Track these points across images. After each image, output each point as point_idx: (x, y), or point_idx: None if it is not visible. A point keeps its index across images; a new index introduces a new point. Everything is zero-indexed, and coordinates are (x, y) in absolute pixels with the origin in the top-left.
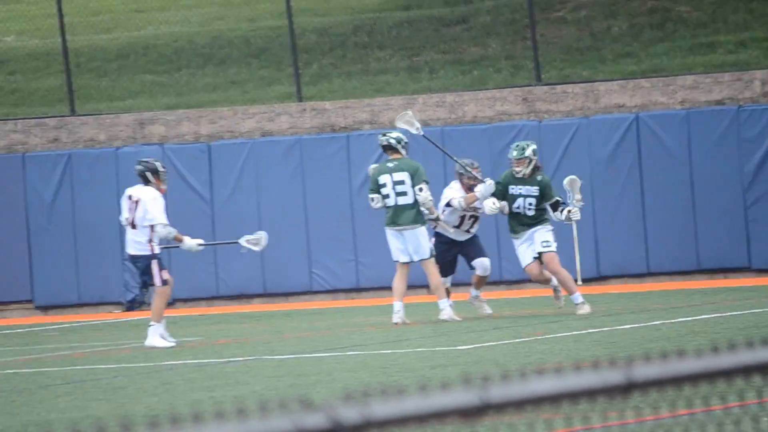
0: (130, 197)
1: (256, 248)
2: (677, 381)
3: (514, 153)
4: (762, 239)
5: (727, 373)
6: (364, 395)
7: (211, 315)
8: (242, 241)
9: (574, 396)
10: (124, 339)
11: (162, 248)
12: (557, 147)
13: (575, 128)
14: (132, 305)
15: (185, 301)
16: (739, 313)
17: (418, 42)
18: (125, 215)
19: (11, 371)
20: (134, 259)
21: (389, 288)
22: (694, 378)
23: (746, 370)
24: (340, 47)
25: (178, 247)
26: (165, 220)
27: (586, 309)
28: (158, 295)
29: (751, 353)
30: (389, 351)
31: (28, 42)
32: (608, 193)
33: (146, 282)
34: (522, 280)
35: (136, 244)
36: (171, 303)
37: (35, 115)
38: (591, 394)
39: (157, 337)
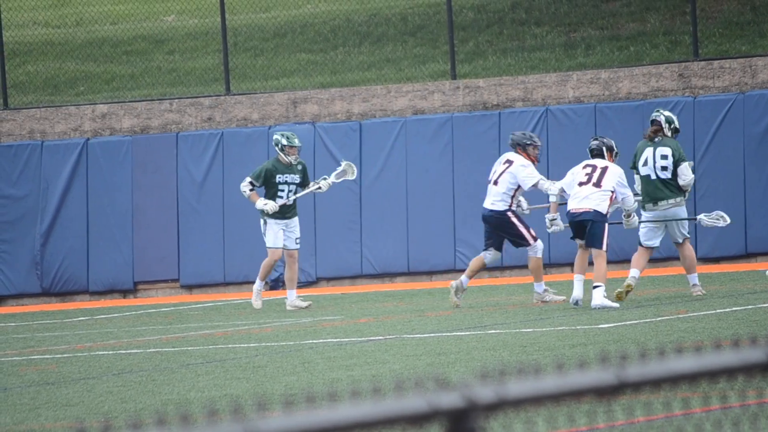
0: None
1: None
2: None
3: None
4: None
5: None
6: (500, 374)
7: (354, 294)
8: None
9: (712, 375)
10: (267, 318)
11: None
12: (711, 123)
13: (730, 104)
14: (276, 284)
15: (329, 279)
16: None
17: (576, 18)
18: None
19: (154, 350)
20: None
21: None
22: None
23: None
24: (497, 24)
25: None
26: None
27: (699, 291)
28: (599, 257)
29: None
30: (530, 330)
31: (188, 21)
32: (761, 170)
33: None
34: (667, 257)
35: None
36: (315, 282)
37: (191, 94)
38: (730, 372)
39: (601, 296)
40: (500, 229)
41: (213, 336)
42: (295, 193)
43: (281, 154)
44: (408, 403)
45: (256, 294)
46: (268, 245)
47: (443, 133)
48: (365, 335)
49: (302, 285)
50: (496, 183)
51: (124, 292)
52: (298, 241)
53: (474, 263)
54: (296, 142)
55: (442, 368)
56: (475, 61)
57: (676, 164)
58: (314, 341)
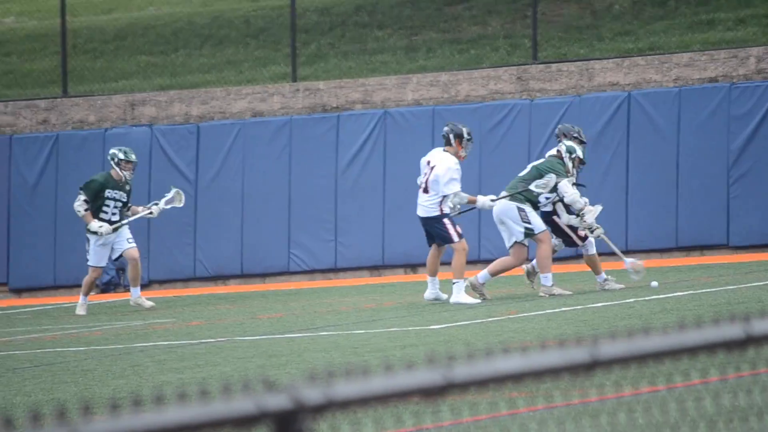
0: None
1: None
2: (642, 358)
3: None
4: (741, 216)
5: (692, 350)
6: (328, 375)
7: (187, 296)
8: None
9: (537, 374)
10: (97, 322)
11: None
12: (548, 126)
13: (566, 107)
14: (108, 287)
15: (161, 282)
16: (712, 290)
17: (419, 21)
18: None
19: None
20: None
21: (366, 268)
22: (659, 355)
23: (711, 347)
24: (340, 26)
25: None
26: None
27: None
28: (458, 251)
29: (716, 330)
30: (362, 331)
31: (27, 23)
32: (594, 172)
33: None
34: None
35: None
36: (147, 284)
37: (26, 96)
38: (555, 372)
39: (462, 293)
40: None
41: (41, 340)
42: (120, 210)
43: (116, 168)
44: (235, 405)
45: (81, 307)
46: (90, 263)
47: (282, 136)
48: (196, 338)
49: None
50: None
51: None
52: (130, 240)
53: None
54: (133, 157)
55: (272, 370)
56: (316, 64)
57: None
58: (144, 344)
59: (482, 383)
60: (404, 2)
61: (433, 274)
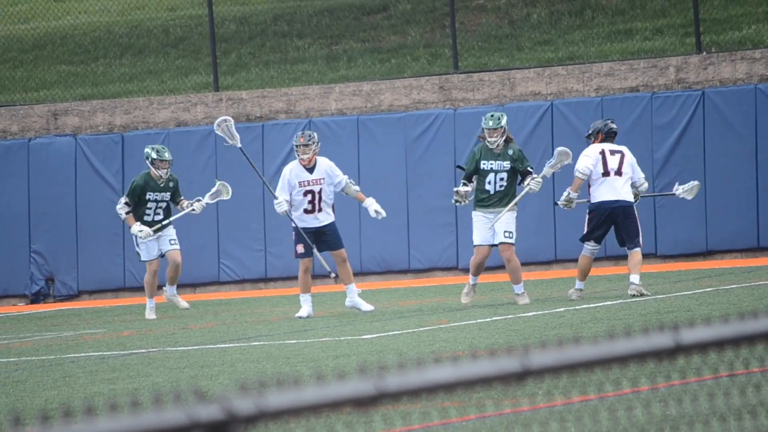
0: None
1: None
2: (572, 368)
3: (490, 123)
4: (668, 225)
5: (622, 360)
6: (260, 386)
7: (117, 306)
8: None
9: (469, 384)
10: (27, 332)
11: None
12: (472, 135)
13: None
14: (37, 298)
15: (91, 293)
16: (642, 299)
17: (338, 30)
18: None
19: None
20: None
21: (296, 278)
22: (589, 365)
23: (641, 356)
24: (260, 36)
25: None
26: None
27: (526, 300)
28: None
29: (645, 339)
30: (294, 341)
31: None
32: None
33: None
34: (430, 268)
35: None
36: (77, 295)
37: None
38: (486, 381)
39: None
40: (628, 220)
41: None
42: (165, 210)
43: (152, 168)
44: (167, 416)
45: (150, 311)
46: (143, 259)
47: (207, 145)
48: (128, 348)
49: (64, 298)
50: (620, 174)
51: None
52: (173, 242)
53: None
54: (166, 155)
55: (205, 381)
56: (238, 73)
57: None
58: (76, 355)
59: (414, 393)
60: (322, 12)
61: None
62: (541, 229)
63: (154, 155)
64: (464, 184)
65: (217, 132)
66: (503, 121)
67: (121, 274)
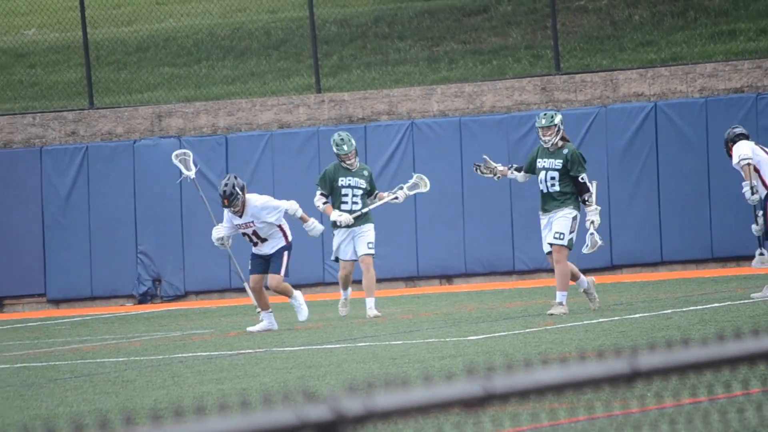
0: None
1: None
2: (681, 370)
3: (543, 121)
4: None
5: (732, 362)
6: (368, 386)
7: (223, 307)
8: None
9: (578, 385)
10: (135, 332)
11: None
12: (575, 136)
13: (593, 117)
14: (144, 298)
15: (197, 293)
16: (750, 301)
17: (439, 32)
18: None
19: (21, 365)
20: None
21: (401, 279)
22: (699, 366)
23: (751, 359)
24: (361, 38)
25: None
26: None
27: (562, 310)
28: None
29: (756, 341)
30: (400, 342)
31: (49, 35)
32: (624, 183)
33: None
34: (535, 269)
35: None
36: (183, 295)
37: (54, 108)
38: (595, 383)
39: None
40: None
41: (81, 350)
42: (361, 198)
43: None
44: (276, 416)
45: (343, 306)
46: (338, 256)
47: (309, 147)
48: (235, 349)
49: (171, 299)
50: None
51: None
52: (370, 246)
53: None
54: (345, 149)
55: (312, 381)
56: (339, 75)
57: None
58: (184, 355)
59: (522, 394)
60: (423, 13)
61: None
62: (646, 230)
63: (334, 149)
64: (515, 168)
65: (174, 161)
66: (557, 119)
67: (227, 275)
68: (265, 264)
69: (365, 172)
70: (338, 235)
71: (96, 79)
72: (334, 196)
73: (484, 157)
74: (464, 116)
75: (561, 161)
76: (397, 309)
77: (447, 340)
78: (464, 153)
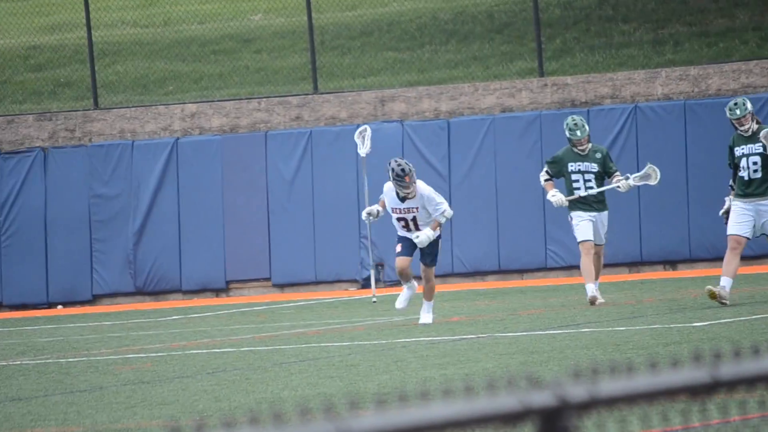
0: None
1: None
2: None
3: (737, 112)
4: None
5: None
6: (593, 373)
7: (446, 292)
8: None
9: None
10: (358, 317)
11: None
12: None
13: None
14: (367, 283)
15: (419, 278)
16: None
17: (664, 14)
18: None
19: (247, 349)
20: None
21: (624, 264)
22: None
23: None
24: (584, 21)
25: None
26: None
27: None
28: None
29: None
30: (623, 328)
31: (275, 20)
32: None
33: None
34: (762, 255)
35: None
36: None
37: (278, 93)
38: None
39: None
40: None
41: (306, 334)
42: (595, 180)
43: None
44: (500, 402)
45: (591, 290)
46: (578, 239)
47: (532, 131)
48: (457, 334)
49: (391, 284)
50: None
51: (217, 291)
52: (605, 236)
53: None
54: (578, 134)
55: (534, 367)
56: (562, 59)
57: None
58: (407, 340)
59: (750, 382)
60: None
61: None
62: None
63: (567, 134)
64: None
65: (356, 139)
66: (749, 105)
67: (449, 260)
68: (412, 246)
69: (597, 155)
70: (579, 218)
71: (320, 63)
72: (566, 180)
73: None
74: (689, 100)
75: (760, 144)
76: (620, 294)
77: (671, 326)
78: (688, 137)
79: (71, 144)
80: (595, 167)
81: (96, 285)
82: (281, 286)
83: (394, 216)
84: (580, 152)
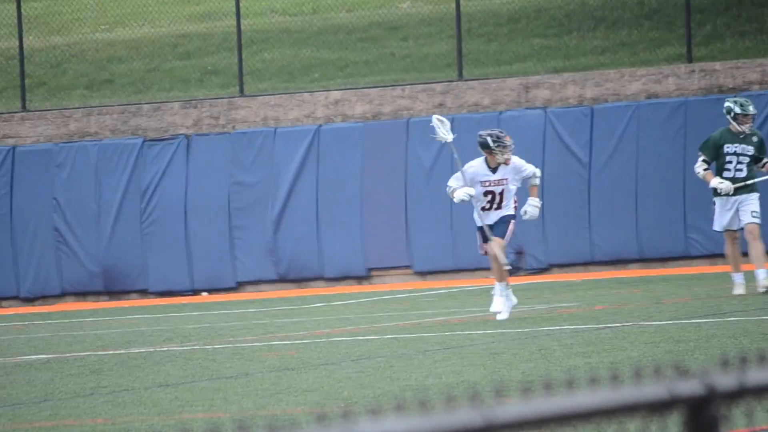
0: None
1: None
2: None
3: (750, 108)
4: None
5: None
6: (741, 362)
7: (587, 281)
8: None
9: None
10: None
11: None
12: None
13: None
14: (511, 271)
15: (561, 266)
16: None
17: None
18: None
19: (391, 336)
20: None
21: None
22: None
23: None
24: (736, 6)
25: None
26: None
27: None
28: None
29: None
30: None
31: (423, 8)
32: None
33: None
34: None
35: None
36: (547, 268)
37: (423, 80)
38: None
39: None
40: None
41: (449, 322)
42: (747, 166)
43: (733, 123)
44: (647, 390)
45: (738, 286)
46: (714, 228)
47: (676, 118)
48: (602, 322)
49: (534, 271)
50: None
51: (359, 279)
52: (755, 214)
53: None
54: (750, 109)
55: (680, 356)
56: (711, 44)
57: None
58: (551, 328)
59: None
60: None
61: None
62: None
63: (737, 109)
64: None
65: (434, 122)
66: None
67: (587, 248)
68: (492, 228)
69: (755, 138)
70: (720, 205)
71: (466, 51)
72: (718, 163)
73: None
74: None
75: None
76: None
77: None
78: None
79: (215, 131)
80: (751, 150)
81: (239, 272)
82: (422, 274)
83: (482, 190)
84: (738, 133)
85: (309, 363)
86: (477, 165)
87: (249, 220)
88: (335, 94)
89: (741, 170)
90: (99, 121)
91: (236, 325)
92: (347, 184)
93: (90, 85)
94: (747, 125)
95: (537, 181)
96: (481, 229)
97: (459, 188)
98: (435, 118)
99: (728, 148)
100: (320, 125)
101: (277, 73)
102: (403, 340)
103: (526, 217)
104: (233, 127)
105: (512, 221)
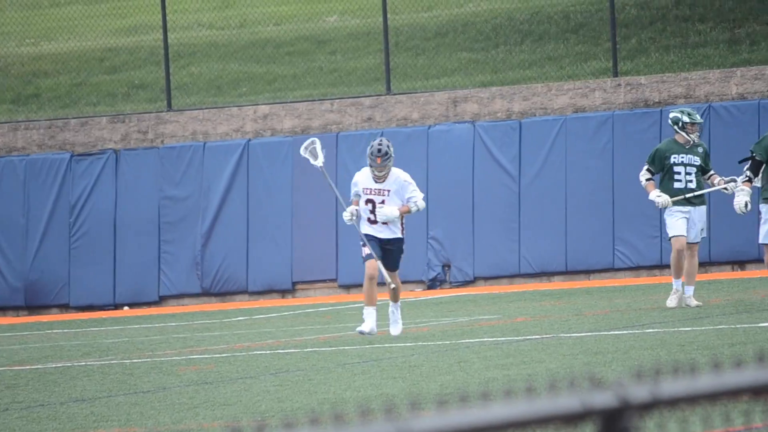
0: None
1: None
2: None
3: (697, 116)
4: None
5: None
6: (655, 373)
7: (511, 293)
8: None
9: None
10: (424, 317)
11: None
12: None
13: None
14: (434, 284)
15: (487, 279)
16: None
17: (741, 14)
18: None
19: (311, 349)
20: None
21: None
22: None
23: None
24: (661, 20)
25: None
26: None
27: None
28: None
29: None
30: (689, 328)
31: (350, 22)
32: None
33: None
34: None
35: None
36: (472, 281)
37: (351, 94)
38: None
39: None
40: None
41: (370, 335)
42: (696, 176)
43: (681, 132)
44: (561, 402)
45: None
46: (670, 234)
47: (604, 132)
48: (522, 334)
49: (460, 284)
50: None
51: (283, 292)
52: (703, 232)
53: None
54: (698, 118)
55: (598, 367)
56: (637, 59)
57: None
58: (470, 340)
59: None
60: None
61: None
62: None
63: (685, 119)
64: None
65: (303, 154)
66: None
67: (516, 261)
68: (379, 248)
69: (700, 149)
70: (672, 215)
71: (394, 64)
72: (667, 174)
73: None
74: (764, 99)
75: (698, 157)
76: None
77: (738, 326)
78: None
79: (143, 146)
80: (697, 161)
81: (163, 286)
82: (347, 287)
83: (364, 198)
84: (684, 143)
85: (228, 377)
86: (362, 176)
87: (178, 235)
88: (264, 109)
89: (691, 181)
90: (26, 135)
91: (156, 339)
92: (277, 198)
93: (16, 99)
94: (695, 134)
95: (413, 208)
96: (367, 237)
97: (344, 211)
98: (302, 147)
99: (675, 158)
100: (249, 139)
101: (205, 87)
102: (323, 353)
103: (377, 212)
104: (162, 141)
105: (403, 247)
